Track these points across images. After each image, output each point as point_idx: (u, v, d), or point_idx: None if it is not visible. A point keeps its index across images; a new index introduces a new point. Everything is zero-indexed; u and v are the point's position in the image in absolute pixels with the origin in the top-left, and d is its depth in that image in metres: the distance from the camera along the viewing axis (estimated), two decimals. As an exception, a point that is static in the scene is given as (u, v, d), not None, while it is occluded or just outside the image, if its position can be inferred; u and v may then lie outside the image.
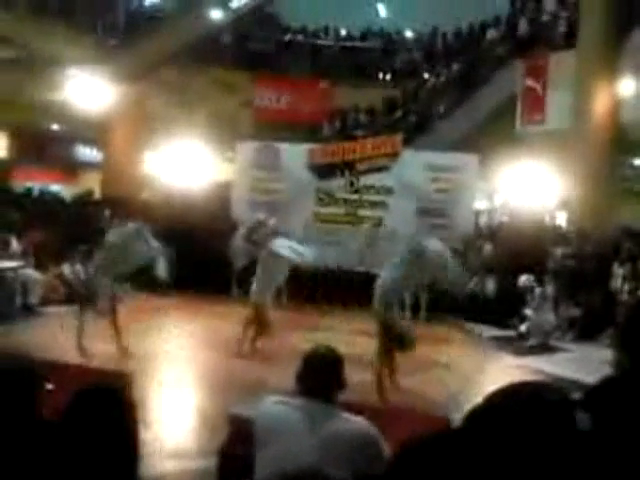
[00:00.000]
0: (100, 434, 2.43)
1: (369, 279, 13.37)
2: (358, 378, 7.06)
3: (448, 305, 12.76)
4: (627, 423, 1.46)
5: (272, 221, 13.99)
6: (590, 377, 5.59)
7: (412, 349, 7.37)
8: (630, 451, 1.40)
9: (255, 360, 8.76)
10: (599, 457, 1.33)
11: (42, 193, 18.39)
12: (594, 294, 11.84)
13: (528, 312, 11.15)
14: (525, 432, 1.25)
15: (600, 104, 14.45)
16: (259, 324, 9.17)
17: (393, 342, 7.42)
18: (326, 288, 12.88)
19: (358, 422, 3.02)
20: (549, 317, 11.11)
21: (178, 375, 8.42)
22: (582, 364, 9.02)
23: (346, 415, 3.03)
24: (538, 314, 10.98)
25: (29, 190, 18.36)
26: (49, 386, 2.78)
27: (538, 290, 11.18)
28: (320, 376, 3.09)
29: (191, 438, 6.18)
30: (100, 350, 8.33)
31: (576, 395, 1.53)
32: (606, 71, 14.39)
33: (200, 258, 13.86)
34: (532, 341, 10.90)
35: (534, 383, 1.44)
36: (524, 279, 11.31)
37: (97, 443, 2.41)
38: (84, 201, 17.39)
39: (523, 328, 11.15)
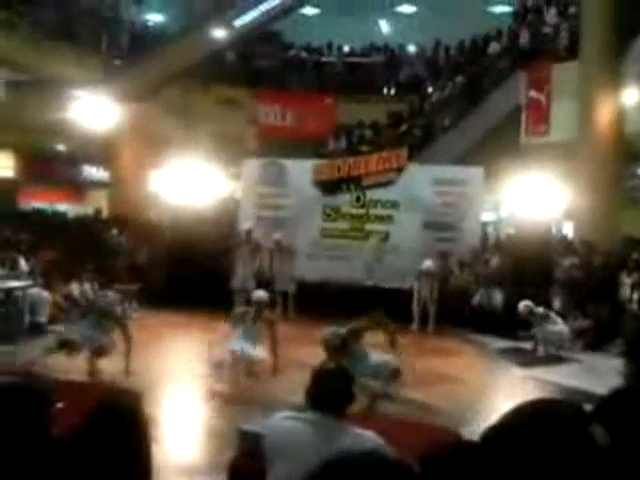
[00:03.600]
0: (114, 451, 2.44)
1: (377, 293, 13.52)
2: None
3: (456, 317, 12.76)
4: None
5: (277, 236, 14.08)
6: (600, 388, 5.56)
7: None
8: None
9: (264, 375, 8.74)
10: (620, 473, 1.32)
11: (54, 213, 18.46)
12: (602, 304, 11.79)
13: (536, 330, 10.96)
14: (543, 450, 1.25)
15: (604, 114, 14.46)
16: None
17: None
18: (334, 302, 12.84)
19: (369, 436, 3.02)
20: (560, 328, 10.96)
21: (188, 391, 8.42)
22: (591, 374, 8.98)
23: (356, 430, 3.04)
24: (547, 327, 10.84)
25: (40, 210, 18.43)
26: (59, 404, 2.78)
27: (539, 310, 10.95)
28: (330, 391, 3.10)
29: (202, 454, 6.17)
30: (109, 367, 8.34)
31: (588, 407, 1.52)
32: (609, 81, 14.42)
33: (207, 275, 13.90)
34: (541, 352, 10.83)
35: (550, 400, 1.43)
36: (522, 306, 10.94)
37: (111, 460, 2.42)
38: (91, 220, 17.46)
39: (539, 334, 10.85)
